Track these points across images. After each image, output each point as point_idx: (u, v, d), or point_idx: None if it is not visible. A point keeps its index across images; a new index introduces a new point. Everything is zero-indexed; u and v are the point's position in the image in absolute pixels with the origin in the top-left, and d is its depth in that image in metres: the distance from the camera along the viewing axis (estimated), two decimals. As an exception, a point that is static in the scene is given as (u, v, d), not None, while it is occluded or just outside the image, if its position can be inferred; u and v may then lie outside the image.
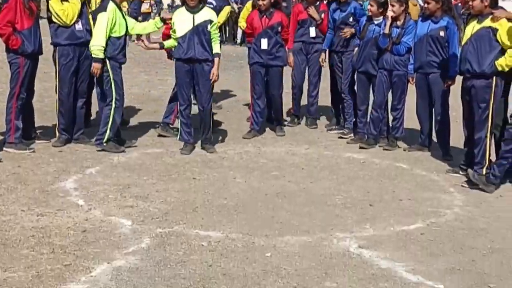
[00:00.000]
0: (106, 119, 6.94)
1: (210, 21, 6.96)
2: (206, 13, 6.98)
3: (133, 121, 8.56)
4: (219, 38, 7.15)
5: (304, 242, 4.69)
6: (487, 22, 6.08)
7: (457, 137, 7.47)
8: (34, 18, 6.69)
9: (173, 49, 7.22)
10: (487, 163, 6.22)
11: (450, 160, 7.13)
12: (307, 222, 5.10)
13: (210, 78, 7.01)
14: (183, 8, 7.00)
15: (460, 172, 6.55)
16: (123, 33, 6.96)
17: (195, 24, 6.89)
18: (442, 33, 7.07)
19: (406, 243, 4.74)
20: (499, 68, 6.06)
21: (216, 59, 7.02)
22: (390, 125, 7.74)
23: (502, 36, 6.00)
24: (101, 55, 6.82)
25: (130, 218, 5.03)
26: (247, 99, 10.55)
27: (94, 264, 4.18)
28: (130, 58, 14.67)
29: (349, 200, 5.71)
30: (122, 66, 7.09)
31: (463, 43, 6.36)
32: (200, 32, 6.89)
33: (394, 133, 7.66)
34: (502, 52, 6.06)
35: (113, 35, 6.86)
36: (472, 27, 6.21)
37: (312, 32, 8.39)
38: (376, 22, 7.54)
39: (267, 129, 8.48)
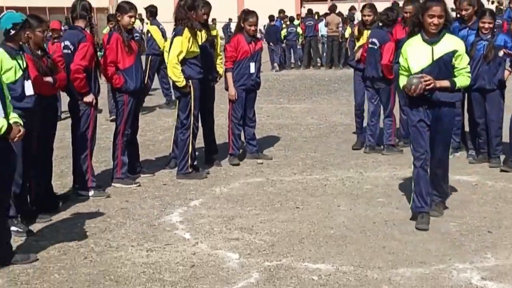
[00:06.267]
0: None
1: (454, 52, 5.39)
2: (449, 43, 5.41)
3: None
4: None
5: (421, 274, 4.43)
6: None
7: None
8: (135, 56, 6.85)
9: None
10: None
11: None
12: (422, 252, 4.83)
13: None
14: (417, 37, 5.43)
15: None
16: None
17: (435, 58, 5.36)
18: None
19: (535, 274, 4.39)
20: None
21: None
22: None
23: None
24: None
25: (237, 251, 4.96)
26: (344, 123, 10.36)
27: (205, 301, 4.13)
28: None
29: (464, 226, 5.39)
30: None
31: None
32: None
33: (498, 152, 7.27)
34: None
35: None
36: None
37: None
38: (484, 38, 7.16)
39: (368, 153, 8.26)
